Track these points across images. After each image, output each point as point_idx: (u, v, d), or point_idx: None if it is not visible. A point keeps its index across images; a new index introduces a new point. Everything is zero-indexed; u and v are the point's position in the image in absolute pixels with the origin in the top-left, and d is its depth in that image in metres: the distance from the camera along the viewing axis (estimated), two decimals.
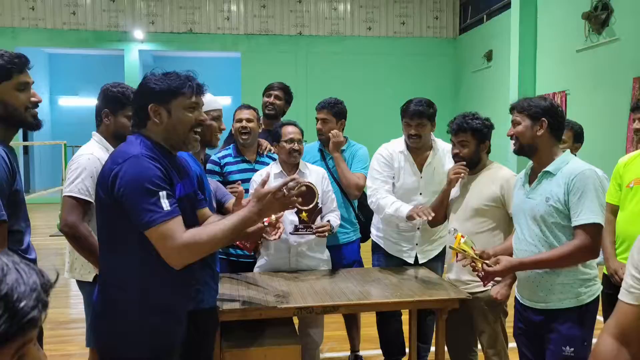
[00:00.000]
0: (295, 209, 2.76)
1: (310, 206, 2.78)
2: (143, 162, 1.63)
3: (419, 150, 3.05)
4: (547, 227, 2.12)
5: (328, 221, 2.90)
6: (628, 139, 7.38)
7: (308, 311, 2.43)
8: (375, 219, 3.22)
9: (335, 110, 3.34)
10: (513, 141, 2.23)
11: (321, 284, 2.70)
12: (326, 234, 2.84)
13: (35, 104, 1.84)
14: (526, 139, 2.18)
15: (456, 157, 2.67)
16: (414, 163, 3.04)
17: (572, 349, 2.07)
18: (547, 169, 2.16)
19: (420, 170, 3.04)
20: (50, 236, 7.85)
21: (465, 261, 2.26)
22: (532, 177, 2.24)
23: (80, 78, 14.44)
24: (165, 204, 1.60)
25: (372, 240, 3.27)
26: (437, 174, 3.03)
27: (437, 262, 3.17)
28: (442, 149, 3.08)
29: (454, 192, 2.76)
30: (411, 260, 3.08)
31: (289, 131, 2.95)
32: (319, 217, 2.89)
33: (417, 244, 3.07)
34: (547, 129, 2.15)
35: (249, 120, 3.14)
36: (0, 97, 1.76)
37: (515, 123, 2.22)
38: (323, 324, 3.04)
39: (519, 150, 2.22)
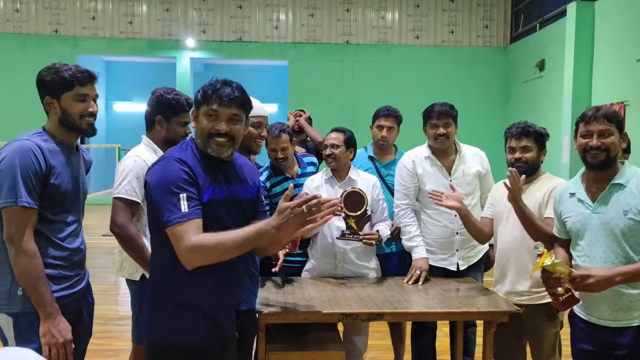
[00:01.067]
0: (344, 215, 2.76)
1: (358, 213, 2.77)
2: (171, 165, 1.72)
3: (444, 153, 3.05)
4: (627, 242, 2.01)
5: (377, 230, 2.88)
6: None
7: (353, 317, 2.42)
8: None
9: (399, 119, 3.36)
10: (597, 152, 2.06)
11: (367, 291, 2.68)
12: (373, 242, 2.82)
13: (92, 114, 2.04)
14: (616, 151, 2.07)
15: (517, 162, 2.55)
16: (442, 167, 3.03)
17: None
18: (616, 181, 2.05)
19: (450, 174, 3.02)
20: (102, 236, 8.13)
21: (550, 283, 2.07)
22: (591, 190, 2.12)
23: (135, 84, 15.00)
24: (184, 206, 1.66)
25: (406, 252, 3.15)
26: (467, 175, 3.02)
27: (477, 271, 3.10)
28: (468, 151, 3.10)
29: (502, 202, 2.67)
30: (453, 268, 3.02)
31: (329, 137, 3.01)
32: (367, 225, 2.87)
33: (457, 250, 3.02)
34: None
35: (284, 149, 3.01)
36: (62, 105, 1.99)
37: (606, 133, 2.06)
38: (368, 331, 3.02)
39: (604, 163, 2.07)
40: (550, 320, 2.53)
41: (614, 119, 2.08)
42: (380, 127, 3.30)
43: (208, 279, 1.75)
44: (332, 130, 3.04)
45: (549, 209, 2.49)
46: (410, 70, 12.70)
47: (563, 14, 9.80)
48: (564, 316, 2.58)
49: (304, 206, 1.65)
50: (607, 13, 8.82)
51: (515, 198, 2.40)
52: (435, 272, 3.00)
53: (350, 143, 3.03)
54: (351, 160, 3.06)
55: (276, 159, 3.05)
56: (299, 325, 2.47)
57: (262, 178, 3.06)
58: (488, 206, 2.82)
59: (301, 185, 3.07)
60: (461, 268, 3.03)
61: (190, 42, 12.69)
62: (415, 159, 3.06)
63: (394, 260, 3.24)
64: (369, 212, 2.82)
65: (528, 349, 2.68)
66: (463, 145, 3.12)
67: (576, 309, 2.20)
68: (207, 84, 1.81)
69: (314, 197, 1.65)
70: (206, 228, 1.69)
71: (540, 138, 2.57)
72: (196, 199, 1.70)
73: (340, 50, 12.87)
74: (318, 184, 3.00)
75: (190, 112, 1.87)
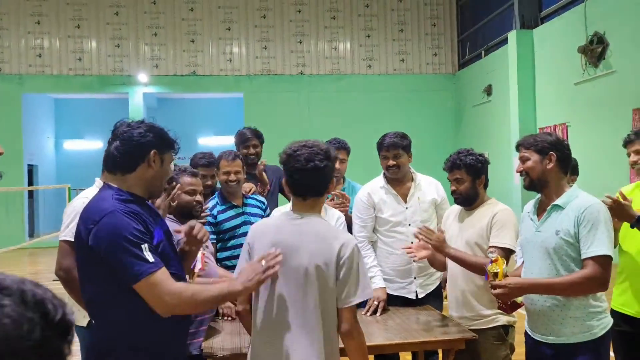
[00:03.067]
0: None
1: None
2: (119, 217, 1.65)
3: (400, 182, 3.08)
4: (559, 260, 2.12)
5: None
6: (632, 170, 7.35)
7: None
8: None
9: (349, 150, 3.39)
10: (523, 177, 2.25)
11: None
12: None
13: None
14: (536, 173, 2.20)
15: (454, 194, 2.69)
16: (397, 195, 3.05)
17: None
18: (556, 202, 2.17)
19: (405, 201, 3.04)
20: (53, 280, 7.78)
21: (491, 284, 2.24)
22: (540, 211, 2.25)
23: (86, 121, 14.66)
24: (149, 256, 1.62)
25: None
26: (422, 202, 3.05)
27: (436, 298, 3.11)
28: (424, 180, 3.13)
29: (451, 228, 2.75)
30: (412, 296, 3.02)
31: None
32: None
33: (415, 278, 3.03)
34: (556, 162, 2.19)
35: (237, 172, 3.10)
36: None
37: (523, 159, 2.24)
38: None
39: (530, 186, 2.24)
40: (499, 342, 2.58)
41: (531, 145, 2.23)
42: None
43: (166, 323, 1.70)
44: None
45: (493, 237, 2.56)
46: (364, 99, 12.95)
47: (505, 41, 10.27)
48: (514, 339, 2.63)
49: (262, 261, 1.76)
50: (545, 40, 9.30)
51: (438, 248, 2.56)
52: (395, 302, 3.00)
53: None
54: None
55: (227, 181, 3.10)
56: None
57: (209, 205, 3.06)
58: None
59: (246, 214, 3.11)
60: (420, 296, 3.04)
61: (143, 77, 12.55)
62: (371, 190, 3.08)
63: None
64: None
65: None
66: (419, 174, 3.16)
67: (525, 325, 2.30)
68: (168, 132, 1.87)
69: (273, 253, 1.78)
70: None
71: (471, 168, 2.63)
72: (154, 249, 1.68)
73: (294, 81, 13.01)
74: None
75: (151, 152, 1.78)
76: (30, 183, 12.92)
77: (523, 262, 2.32)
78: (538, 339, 2.20)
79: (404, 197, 3.05)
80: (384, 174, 3.11)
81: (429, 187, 3.12)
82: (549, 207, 2.18)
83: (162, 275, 1.63)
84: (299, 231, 1.87)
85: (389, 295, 3.01)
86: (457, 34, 13.49)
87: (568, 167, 2.25)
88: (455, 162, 2.64)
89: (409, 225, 3.00)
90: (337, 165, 3.27)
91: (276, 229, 1.93)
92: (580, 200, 2.13)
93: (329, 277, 1.81)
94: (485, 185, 2.71)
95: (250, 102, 12.77)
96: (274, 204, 3.51)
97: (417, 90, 13.18)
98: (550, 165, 2.18)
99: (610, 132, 7.33)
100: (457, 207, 2.81)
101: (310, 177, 1.86)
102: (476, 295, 2.61)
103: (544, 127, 9.50)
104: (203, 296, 1.69)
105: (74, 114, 14.69)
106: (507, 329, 2.61)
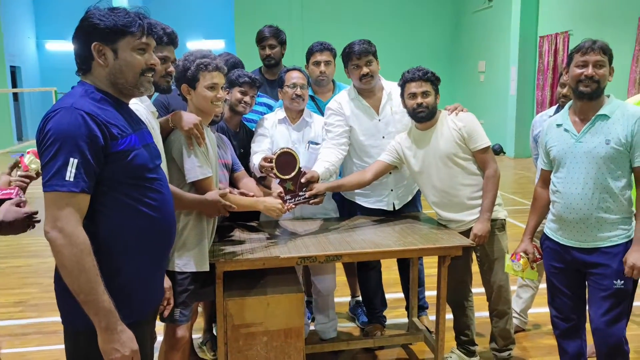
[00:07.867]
0: (278, 180, 2.62)
1: (292, 174, 2.61)
2: (72, 116, 1.43)
3: (370, 92, 2.96)
4: (607, 169, 2.16)
5: (316, 176, 2.70)
6: (630, 80, 7.25)
7: (311, 260, 2.42)
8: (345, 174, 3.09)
9: (334, 53, 3.22)
10: (588, 82, 2.15)
11: (323, 233, 2.68)
12: (321, 200, 2.72)
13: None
14: (605, 83, 2.17)
15: (419, 107, 2.65)
16: (369, 107, 2.94)
17: (622, 282, 2.17)
18: (602, 112, 2.18)
19: (378, 113, 2.95)
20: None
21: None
22: (578, 122, 2.23)
23: (68, 21, 13.91)
24: (70, 174, 1.41)
25: (343, 197, 3.11)
26: (395, 113, 2.93)
27: (412, 206, 3.12)
28: (395, 87, 2.94)
29: (415, 155, 2.74)
30: (389, 208, 3.02)
31: (293, 76, 2.87)
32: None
33: (392, 190, 3.01)
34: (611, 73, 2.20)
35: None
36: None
37: (599, 64, 2.16)
38: (335, 269, 3.06)
39: (594, 93, 2.16)
40: (502, 232, 2.73)
41: (608, 51, 2.17)
42: (317, 63, 3.16)
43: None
44: (293, 70, 2.90)
45: (473, 142, 2.64)
46: (359, 2, 12.36)
47: None
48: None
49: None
50: None
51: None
52: (373, 214, 3.01)
53: (309, 83, 2.96)
54: None
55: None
56: (255, 270, 2.45)
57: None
58: (391, 151, 2.83)
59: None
60: (397, 207, 3.03)
61: None
62: (341, 101, 2.95)
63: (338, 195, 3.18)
64: (303, 170, 2.67)
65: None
66: (389, 82, 3.02)
67: (548, 232, 2.37)
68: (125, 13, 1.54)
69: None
70: (137, 178, 1.55)
71: (437, 82, 2.67)
72: (90, 169, 1.44)
73: None
74: (272, 124, 2.92)
75: (92, 46, 1.50)
76: (14, 85, 12.52)
77: (551, 172, 2.33)
78: (571, 245, 2.25)
79: (376, 109, 2.94)
80: (353, 85, 2.97)
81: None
82: (592, 118, 2.18)
83: (71, 200, 1.41)
84: None
85: (367, 208, 3.02)
86: None
87: None
88: (426, 74, 2.64)
89: (383, 137, 2.92)
90: (321, 67, 3.16)
91: None
92: (628, 109, 2.15)
93: None
94: None
95: (241, 3, 12.15)
96: None
97: None
98: (611, 78, 2.19)
99: (614, 41, 7.12)
100: (403, 135, 2.80)
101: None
102: (472, 199, 2.68)
103: (544, 35, 9.21)
104: (84, 264, 1.41)
105: (55, 12, 13.92)
106: (504, 221, 2.74)
